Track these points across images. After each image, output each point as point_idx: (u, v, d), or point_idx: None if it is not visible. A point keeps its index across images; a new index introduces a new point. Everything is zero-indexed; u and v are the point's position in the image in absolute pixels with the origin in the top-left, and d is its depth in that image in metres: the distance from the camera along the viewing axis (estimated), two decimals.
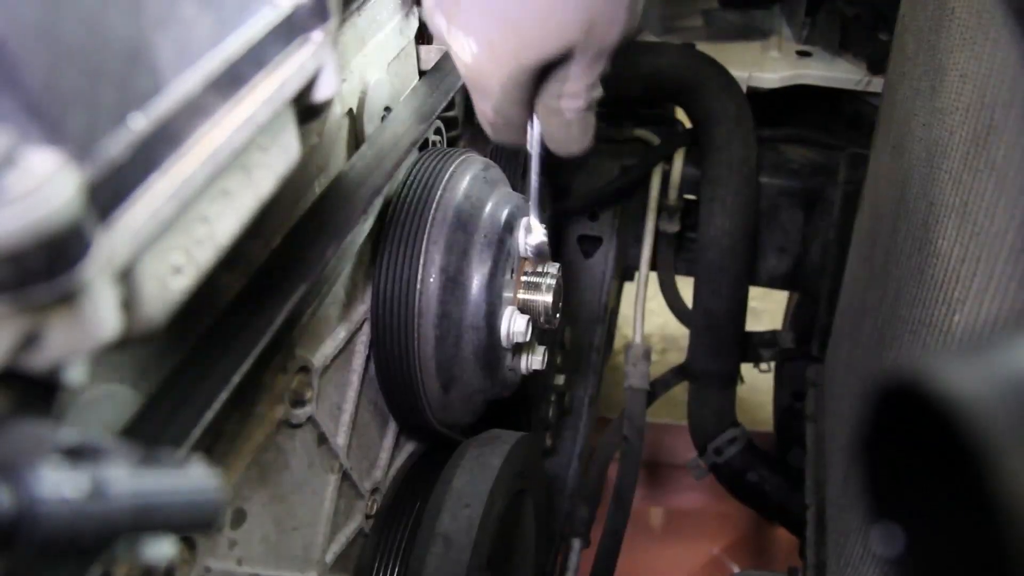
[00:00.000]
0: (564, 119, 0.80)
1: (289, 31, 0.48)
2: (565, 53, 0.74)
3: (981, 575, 0.26)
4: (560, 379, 1.59)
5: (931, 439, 0.26)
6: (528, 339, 0.94)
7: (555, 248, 1.71)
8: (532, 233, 0.94)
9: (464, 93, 1.12)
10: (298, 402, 0.79)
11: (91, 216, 0.34)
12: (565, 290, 1.03)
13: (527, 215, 0.98)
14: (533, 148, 0.84)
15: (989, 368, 0.24)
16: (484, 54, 0.74)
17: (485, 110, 0.79)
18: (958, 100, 0.76)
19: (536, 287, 0.97)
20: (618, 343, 2.22)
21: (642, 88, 1.64)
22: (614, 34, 0.73)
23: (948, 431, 0.24)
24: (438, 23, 0.75)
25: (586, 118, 0.80)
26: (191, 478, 0.38)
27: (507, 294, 0.94)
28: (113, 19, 0.38)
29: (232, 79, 0.44)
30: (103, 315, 0.36)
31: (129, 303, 0.38)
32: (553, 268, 1.00)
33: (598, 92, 0.79)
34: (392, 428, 1.01)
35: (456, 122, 1.10)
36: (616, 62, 0.77)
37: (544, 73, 0.77)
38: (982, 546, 0.25)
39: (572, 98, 0.78)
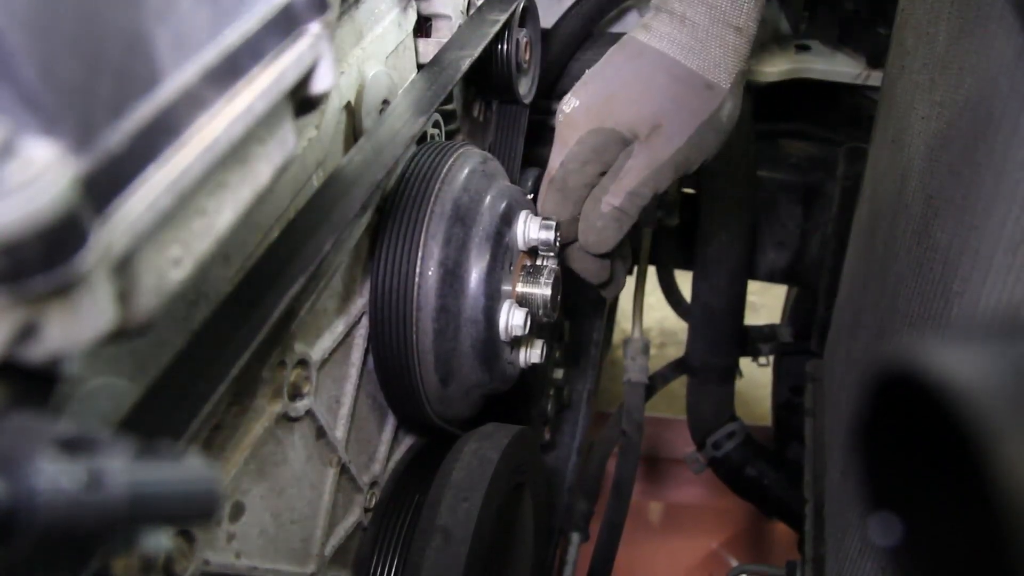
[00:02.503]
0: (599, 210, 0.98)
1: (286, 23, 0.48)
2: (630, 138, 0.96)
3: (979, 563, 0.26)
4: (559, 373, 1.59)
5: (929, 427, 0.26)
6: (527, 333, 0.94)
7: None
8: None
9: (462, 87, 1.12)
10: (296, 395, 0.79)
11: (88, 207, 0.34)
12: (564, 283, 1.03)
13: (526, 208, 0.98)
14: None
15: (987, 355, 0.24)
16: (580, 110, 0.97)
17: (555, 162, 0.99)
18: (957, 93, 0.76)
19: (535, 280, 0.97)
20: (617, 337, 2.22)
21: None
22: (667, 148, 0.94)
23: (946, 418, 0.24)
24: (567, 99, 0.99)
25: (616, 219, 0.97)
26: (189, 471, 0.38)
27: (506, 287, 0.94)
28: (111, 10, 0.38)
29: (229, 71, 0.44)
30: (101, 307, 0.36)
31: (127, 295, 0.38)
32: (552, 261, 1.00)
33: (634, 208, 0.97)
34: (391, 422, 1.01)
35: (454, 115, 1.10)
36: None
37: (606, 168, 0.97)
38: (980, 533, 0.25)
39: (613, 194, 0.96)
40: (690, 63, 0.92)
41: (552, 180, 0.99)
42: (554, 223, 0.97)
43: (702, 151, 0.96)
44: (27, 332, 0.33)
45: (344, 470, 0.90)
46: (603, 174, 0.98)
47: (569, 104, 0.97)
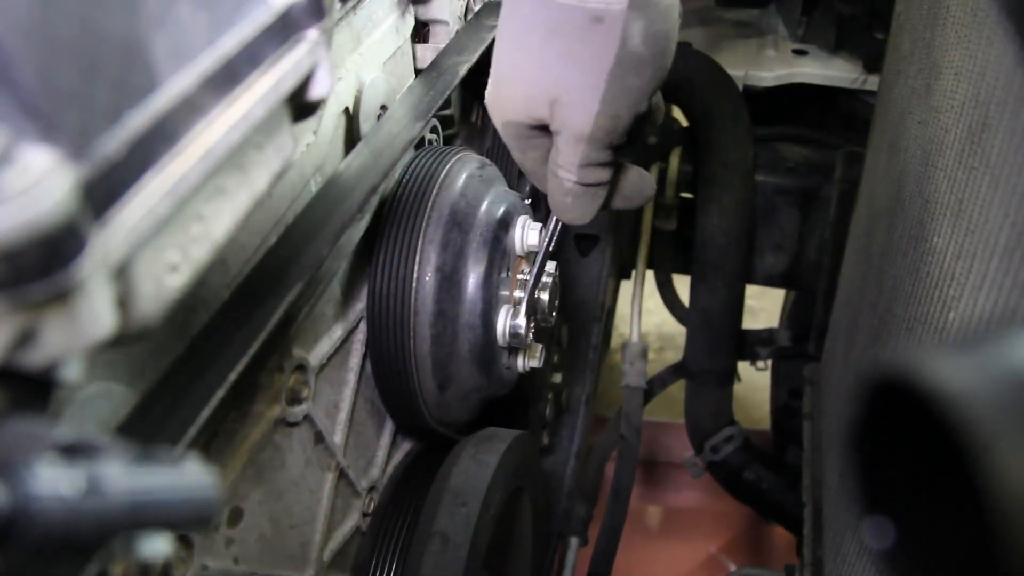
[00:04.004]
0: (562, 185, 0.79)
1: (284, 29, 0.48)
2: (539, 124, 0.75)
3: (971, 567, 0.26)
4: (557, 377, 1.59)
5: (922, 433, 0.26)
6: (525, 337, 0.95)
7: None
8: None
9: (459, 92, 1.12)
10: (295, 400, 0.79)
11: (86, 214, 0.34)
12: (562, 288, 1.03)
13: (523, 213, 0.98)
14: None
15: (979, 362, 0.24)
16: (489, 98, 0.77)
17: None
18: (953, 98, 0.76)
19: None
20: (615, 341, 2.22)
21: None
22: (583, 121, 0.72)
23: (939, 425, 0.24)
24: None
25: (585, 193, 0.80)
26: (187, 476, 0.38)
27: (503, 292, 0.94)
28: (109, 17, 0.38)
29: (227, 77, 0.44)
30: (99, 313, 0.36)
31: (125, 301, 0.38)
32: (550, 266, 1.00)
33: (597, 176, 0.78)
34: (389, 426, 1.01)
35: (452, 120, 1.10)
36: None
37: (547, 145, 0.78)
38: (972, 538, 0.25)
39: (565, 170, 0.77)
40: None
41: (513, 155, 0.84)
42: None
43: (633, 96, 0.73)
44: (26, 338, 0.34)
45: (342, 475, 0.90)
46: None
47: (488, 85, 0.79)
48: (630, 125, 0.75)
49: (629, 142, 0.77)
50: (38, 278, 0.32)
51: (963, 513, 0.26)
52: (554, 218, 0.87)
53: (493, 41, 1.05)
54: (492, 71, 0.76)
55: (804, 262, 1.78)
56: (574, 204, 0.81)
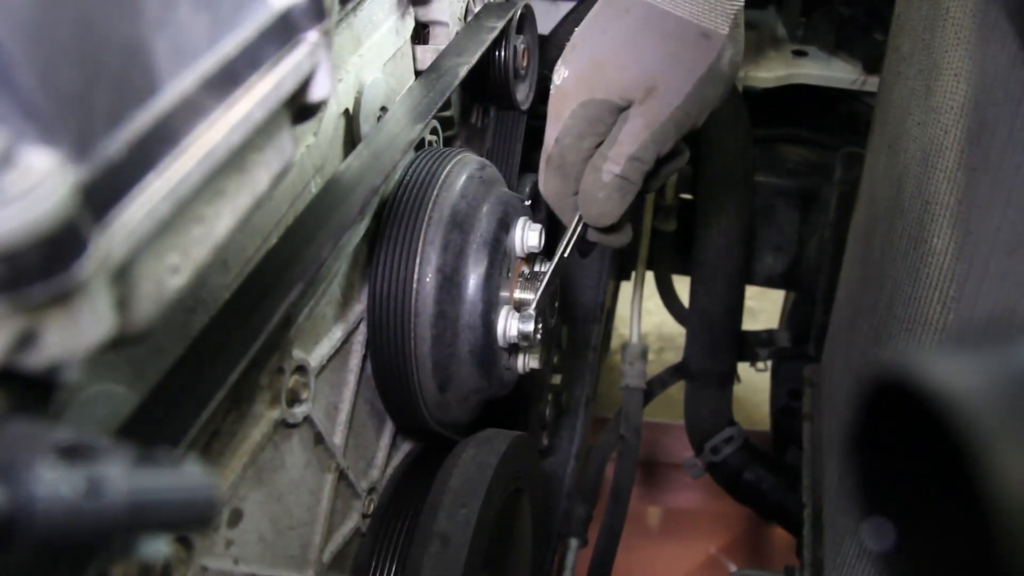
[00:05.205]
0: (600, 178, 0.88)
1: (284, 31, 0.48)
2: (625, 105, 0.87)
3: (971, 569, 0.26)
4: (557, 379, 1.59)
5: (921, 433, 0.26)
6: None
7: (552, 248, 1.71)
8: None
9: (459, 93, 1.12)
10: (295, 401, 0.79)
11: (87, 215, 0.34)
12: (562, 289, 1.03)
13: (523, 215, 0.98)
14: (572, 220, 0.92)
15: (980, 364, 0.24)
16: (570, 81, 0.88)
17: (550, 139, 0.90)
18: (952, 99, 0.76)
19: (532, 286, 0.97)
20: (615, 342, 2.22)
21: None
22: (665, 109, 0.85)
23: (938, 426, 0.24)
24: (557, 68, 0.90)
25: (619, 188, 0.88)
26: (187, 477, 0.38)
27: (503, 293, 0.94)
28: (109, 19, 0.38)
29: (227, 79, 0.44)
30: (99, 314, 0.36)
31: (125, 302, 0.38)
32: (549, 267, 1.00)
33: (637, 173, 0.87)
34: (389, 428, 1.01)
35: (452, 122, 1.10)
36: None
37: (604, 138, 0.88)
38: (972, 540, 0.25)
39: (613, 161, 0.87)
40: (682, 12, 0.85)
41: (550, 157, 0.91)
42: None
43: (703, 105, 0.87)
44: (26, 340, 0.34)
45: (342, 476, 0.90)
46: (601, 144, 0.90)
47: (559, 74, 0.89)
48: (685, 134, 0.88)
49: (667, 158, 0.89)
50: (39, 280, 0.32)
51: (963, 514, 0.26)
52: (575, 223, 0.93)
53: (493, 43, 1.06)
54: (584, 56, 0.87)
55: (804, 263, 1.78)
56: (606, 199, 0.89)
